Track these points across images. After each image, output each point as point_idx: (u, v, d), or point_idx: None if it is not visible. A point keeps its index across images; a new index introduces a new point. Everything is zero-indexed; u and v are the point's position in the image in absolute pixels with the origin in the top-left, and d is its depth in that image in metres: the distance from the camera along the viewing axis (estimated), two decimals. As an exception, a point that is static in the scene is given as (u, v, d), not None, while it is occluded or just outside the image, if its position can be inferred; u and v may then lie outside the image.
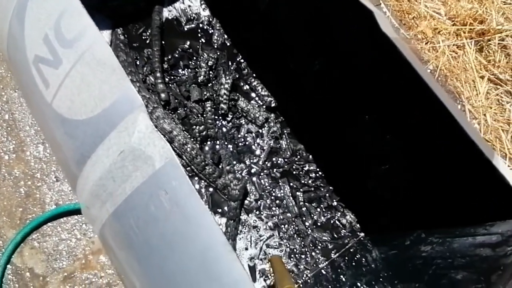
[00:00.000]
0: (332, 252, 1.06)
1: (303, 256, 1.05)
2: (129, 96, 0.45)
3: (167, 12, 1.23)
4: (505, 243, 0.54)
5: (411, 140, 0.85)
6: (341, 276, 1.03)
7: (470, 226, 0.61)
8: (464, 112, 1.59)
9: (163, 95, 1.08)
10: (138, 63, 1.14)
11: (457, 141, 0.57)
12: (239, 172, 1.09)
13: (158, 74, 1.09)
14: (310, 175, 1.13)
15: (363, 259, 1.05)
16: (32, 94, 0.56)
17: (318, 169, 1.14)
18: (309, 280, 1.02)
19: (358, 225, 1.10)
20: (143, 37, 1.18)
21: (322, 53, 1.13)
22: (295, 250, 1.05)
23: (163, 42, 1.17)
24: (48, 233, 1.16)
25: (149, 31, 1.17)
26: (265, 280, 0.99)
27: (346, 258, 1.05)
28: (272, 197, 1.09)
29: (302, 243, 1.06)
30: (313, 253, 1.05)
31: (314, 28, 1.12)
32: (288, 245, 1.05)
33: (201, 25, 1.24)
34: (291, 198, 1.09)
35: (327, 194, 1.12)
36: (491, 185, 0.57)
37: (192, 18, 1.24)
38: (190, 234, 0.43)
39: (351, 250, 1.06)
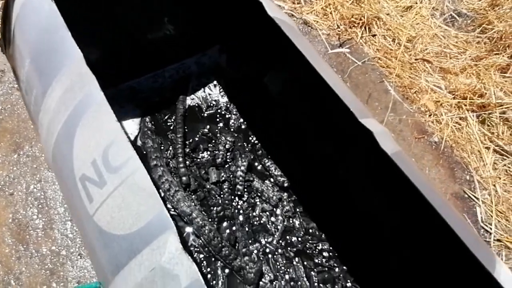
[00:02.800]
0: (349, 337, 1.05)
1: None
2: (162, 218, 0.53)
3: (190, 100, 1.37)
4: None
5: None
6: None
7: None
8: (473, 183, 1.62)
9: (184, 179, 1.17)
10: (162, 147, 1.25)
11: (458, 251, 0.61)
12: (255, 253, 1.13)
13: (181, 159, 1.19)
14: (324, 254, 1.16)
15: None
16: (76, 205, 0.65)
17: (331, 248, 1.17)
18: None
19: (373, 307, 1.10)
20: (168, 123, 1.30)
21: (328, 136, 1.22)
22: (310, 335, 1.05)
23: (185, 127, 1.29)
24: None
25: (174, 118, 1.30)
26: None
27: None
28: (287, 278, 1.11)
29: (318, 327, 1.05)
30: (329, 338, 1.04)
31: (320, 113, 1.22)
32: (304, 330, 1.05)
33: (219, 111, 1.37)
34: (305, 279, 1.11)
35: (341, 275, 1.13)
36: None
37: (211, 104, 1.37)
38: None
39: (368, 335, 1.05)
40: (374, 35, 2.09)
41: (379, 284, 1.10)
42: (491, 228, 1.52)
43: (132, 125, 1.26)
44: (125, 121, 1.27)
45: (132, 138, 1.24)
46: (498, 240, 1.51)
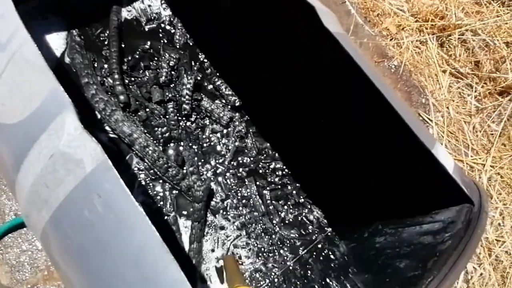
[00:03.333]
0: (300, 248, 1.06)
1: (271, 254, 1.04)
2: (57, 96, 0.43)
3: (126, 13, 1.20)
4: (443, 230, 0.56)
5: (362, 137, 0.86)
6: (309, 272, 1.03)
7: (419, 215, 0.62)
8: (428, 106, 1.63)
9: (122, 97, 1.05)
10: (96, 65, 1.10)
11: (402, 134, 0.58)
12: (205, 173, 1.08)
13: (117, 76, 1.06)
14: (277, 173, 1.13)
15: (331, 254, 1.06)
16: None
17: (284, 167, 1.14)
18: (277, 278, 1.02)
19: (325, 221, 1.11)
20: (101, 38, 1.15)
21: (277, 50, 1.13)
22: (263, 248, 1.04)
23: (122, 43, 1.15)
24: (10, 244, 1.11)
25: (107, 32, 1.14)
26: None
27: (314, 253, 1.05)
28: (239, 197, 1.08)
29: (270, 241, 1.05)
30: (281, 251, 1.05)
31: (269, 27, 1.12)
32: (256, 244, 1.04)
33: (162, 25, 1.22)
34: (258, 197, 1.08)
35: (294, 191, 1.12)
36: (434, 174, 0.58)
37: (152, 18, 1.22)
38: (124, 236, 0.42)
39: (319, 245, 1.07)
40: (337, -47, 1.93)
41: (330, 200, 1.10)
42: (441, 148, 1.56)
43: (58, 39, 1.09)
44: (49, 35, 1.09)
45: (58, 54, 1.08)
46: (447, 159, 1.56)
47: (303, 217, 1.10)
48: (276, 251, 1.05)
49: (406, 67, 1.69)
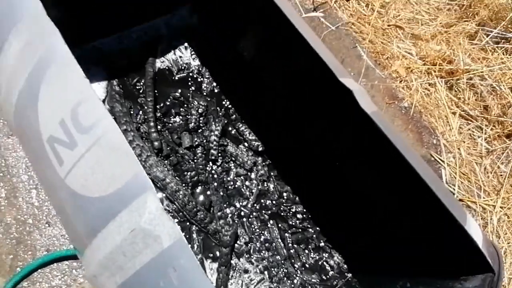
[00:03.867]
0: (321, 292, 1.11)
1: (292, 297, 1.09)
2: (140, 178, 0.50)
3: (160, 63, 1.30)
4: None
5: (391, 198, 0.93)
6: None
7: (449, 280, 0.68)
8: (440, 147, 1.70)
9: (156, 143, 1.13)
10: (132, 112, 1.19)
11: (434, 207, 0.64)
12: (230, 217, 1.14)
13: (152, 124, 1.15)
14: (297, 216, 1.19)
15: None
16: (44, 168, 0.60)
17: (304, 210, 1.20)
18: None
19: (345, 266, 1.16)
20: (137, 87, 1.24)
21: (302, 98, 1.21)
22: (285, 291, 1.09)
23: (156, 91, 1.24)
24: (39, 280, 1.17)
25: (143, 81, 1.24)
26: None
27: (333, 297, 1.10)
28: (262, 240, 1.14)
29: (292, 286, 1.10)
30: (302, 294, 1.10)
31: (294, 75, 1.20)
32: None
33: (191, 74, 1.32)
34: (280, 240, 1.14)
35: (314, 235, 1.18)
36: (465, 247, 0.64)
37: (183, 67, 1.31)
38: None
39: (339, 289, 1.12)
40: (348, 0, 2.05)
41: (350, 244, 1.15)
42: (454, 189, 1.62)
43: (99, 89, 1.19)
44: (91, 84, 1.18)
45: (99, 102, 1.17)
46: (460, 200, 1.62)
47: (324, 262, 1.15)
48: (297, 294, 1.09)
49: (417, 108, 1.77)
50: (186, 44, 1.35)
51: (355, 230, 1.14)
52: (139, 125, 1.17)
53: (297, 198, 1.21)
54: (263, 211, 1.18)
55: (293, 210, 1.20)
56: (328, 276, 1.12)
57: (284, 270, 1.11)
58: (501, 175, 1.69)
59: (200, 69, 1.33)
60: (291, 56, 1.15)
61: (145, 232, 0.49)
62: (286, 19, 0.80)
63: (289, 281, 1.09)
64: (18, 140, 0.74)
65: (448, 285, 0.70)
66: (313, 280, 1.10)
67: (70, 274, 1.18)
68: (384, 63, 1.89)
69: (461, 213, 0.66)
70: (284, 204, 1.20)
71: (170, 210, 1.11)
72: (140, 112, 1.20)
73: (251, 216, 1.16)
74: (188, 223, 1.10)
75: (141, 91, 1.23)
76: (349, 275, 1.13)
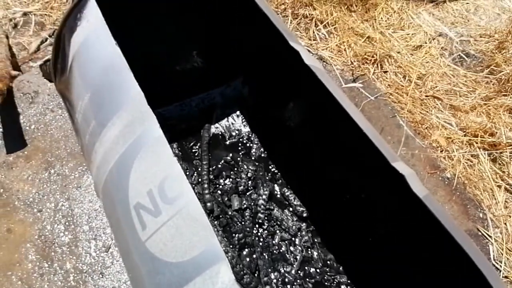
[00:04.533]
0: None
1: None
2: (215, 249, 0.58)
3: (214, 129, 1.44)
4: None
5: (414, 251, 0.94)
6: None
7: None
8: (486, 221, 1.65)
9: (209, 205, 1.22)
10: (188, 173, 1.31)
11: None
12: (274, 283, 1.16)
13: (206, 185, 1.25)
14: (341, 287, 1.19)
15: None
16: (126, 230, 0.70)
17: (349, 281, 1.20)
18: None
19: None
20: (193, 150, 1.37)
21: (347, 168, 1.27)
22: None
23: (210, 155, 1.36)
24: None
25: (199, 145, 1.37)
26: None
27: None
28: (305, 309, 1.14)
29: None
30: None
31: (335, 145, 1.28)
32: None
33: (241, 140, 1.44)
34: (323, 310, 1.13)
35: (358, 308, 1.16)
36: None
37: (234, 133, 1.44)
38: None
39: None
40: (385, 72, 2.18)
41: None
42: (501, 266, 1.54)
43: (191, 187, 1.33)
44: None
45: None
46: (505, 277, 1.53)
47: (368, 337, 1.12)
48: None
49: (460, 179, 1.76)
50: (238, 112, 1.50)
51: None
52: (194, 186, 1.28)
53: (341, 268, 1.22)
54: (307, 279, 1.19)
55: (337, 280, 1.20)
56: None
57: None
58: (555, 254, 1.59)
59: (250, 135, 1.45)
60: (329, 128, 1.24)
61: (220, 302, 0.55)
62: (328, 92, 0.89)
63: None
64: (101, 201, 0.84)
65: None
66: None
67: (115, 328, 1.23)
68: (423, 132, 1.93)
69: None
70: (328, 273, 1.21)
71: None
72: (195, 174, 1.31)
73: (295, 283, 1.18)
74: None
75: (196, 154, 1.36)
76: None
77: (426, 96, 2.13)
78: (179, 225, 0.62)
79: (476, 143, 1.88)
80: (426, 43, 2.39)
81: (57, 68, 1.03)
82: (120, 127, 0.73)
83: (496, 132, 1.87)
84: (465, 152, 1.85)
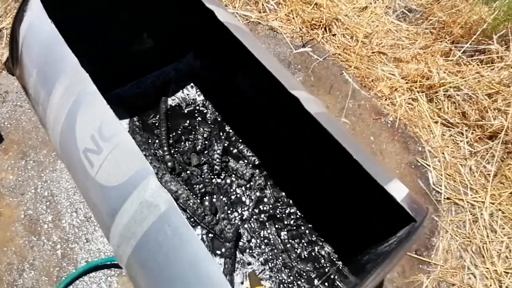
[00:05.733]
0: (315, 280, 1.27)
1: (290, 285, 1.25)
2: (145, 168, 0.75)
3: (171, 101, 1.60)
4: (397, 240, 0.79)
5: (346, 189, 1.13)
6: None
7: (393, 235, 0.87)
8: (425, 153, 1.86)
9: (169, 164, 1.39)
10: (150, 141, 1.47)
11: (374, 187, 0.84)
12: (233, 219, 1.35)
13: (165, 148, 1.41)
14: (292, 216, 1.38)
15: (342, 285, 1.25)
16: (80, 173, 0.86)
17: (298, 211, 1.39)
18: (297, 306, 1.22)
19: (336, 255, 1.32)
20: (154, 121, 1.53)
21: (286, 123, 1.45)
22: (283, 280, 1.26)
23: (169, 123, 1.52)
24: (79, 286, 1.39)
25: (158, 116, 1.53)
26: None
27: (326, 284, 1.25)
28: (262, 237, 1.33)
29: (289, 274, 1.27)
30: (299, 282, 1.26)
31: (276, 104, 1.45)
32: (278, 277, 1.26)
33: (197, 108, 1.60)
34: (277, 237, 1.32)
35: (307, 231, 1.35)
36: (392, 204, 0.83)
37: (190, 103, 1.60)
38: (185, 249, 0.69)
39: (331, 277, 1.27)
40: (334, 35, 2.34)
41: (337, 235, 1.32)
42: (441, 189, 1.75)
43: (122, 125, 1.48)
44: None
45: (123, 135, 1.46)
46: (448, 198, 1.74)
47: (316, 253, 1.31)
48: (294, 282, 1.26)
49: (401, 121, 1.96)
50: (192, 84, 1.66)
51: (341, 224, 1.31)
52: (156, 151, 1.45)
53: (291, 201, 1.41)
54: (262, 214, 1.38)
55: (288, 211, 1.39)
56: (320, 265, 1.28)
57: (282, 262, 1.28)
58: (488, 174, 1.80)
59: (205, 102, 1.62)
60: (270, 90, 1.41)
61: (149, 203, 0.72)
62: (246, 48, 1.04)
63: (287, 270, 1.26)
64: (62, 161, 0.98)
65: (390, 238, 0.87)
66: (307, 268, 1.27)
67: (105, 281, 1.40)
68: (369, 85, 2.12)
69: (384, 178, 0.85)
70: (280, 207, 1.40)
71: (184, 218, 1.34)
72: (156, 141, 1.47)
73: (251, 219, 1.37)
74: (198, 227, 1.32)
75: (156, 124, 1.52)
76: (339, 263, 1.28)
77: (372, 52, 2.31)
78: (117, 156, 0.78)
79: (416, 88, 2.07)
80: (371, 3, 2.55)
81: (13, 57, 1.17)
82: (62, 90, 0.88)
83: (432, 75, 2.07)
84: (406, 97, 2.05)
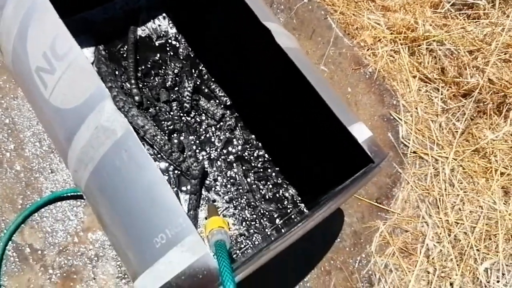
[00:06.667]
0: (277, 219, 1.32)
1: (253, 223, 1.30)
2: (101, 90, 0.70)
3: (141, 31, 1.49)
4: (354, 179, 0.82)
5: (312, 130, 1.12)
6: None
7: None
8: (399, 107, 1.88)
9: (137, 98, 1.34)
10: (117, 72, 1.39)
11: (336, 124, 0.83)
12: (200, 158, 1.34)
13: (133, 81, 1.35)
14: (260, 159, 1.39)
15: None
16: (34, 94, 0.81)
17: (266, 154, 1.40)
18: (257, 242, 1.27)
19: (299, 198, 1.36)
20: (121, 52, 1.44)
21: (250, 62, 1.39)
22: (246, 218, 1.30)
23: (137, 56, 1.43)
24: (45, 215, 1.40)
25: (126, 47, 1.44)
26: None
27: (287, 223, 1.30)
28: (228, 177, 1.34)
29: (253, 213, 1.31)
30: (262, 220, 1.30)
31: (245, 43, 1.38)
32: (241, 215, 1.30)
33: (169, 41, 1.51)
34: (243, 177, 1.34)
35: (273, 174, 1.38)
36: (354, 145, 0.84)
37: (161, 35, 1.51)
38: (141, 174, 0.68)
39: (292, 217, 1.32)
40: (322, -25, 2.20)
41: (302, 179, 1.35)
42: (409, 143, 1.80)
43: (87, 53, 1.39)
44: (81, 49, 1.39)
45: (88, 64, 1.38)
46: (414, 152, 1.80)
47: (281, 195, 1.35)
48: (257, 220, 1.30)
49: (380, 73, 1.94)
50: (164, 15, 1.54)
51: (306, 168, 1.34)
52: (123, 83, 1.38)
53: (260, 144, 1.41)
54: (230, 155, 1.38)
55: (256, 154, 1.40)
56: (283, 205, 1.32)
57: (246, 201, 1.31)
58: (456, 131, 1.86)
59: (177, 36, 1.52)
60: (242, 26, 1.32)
61: (105, 127, 0.69)
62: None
63: (250, 209, 1.30)
64: (17, 83, 0.92)
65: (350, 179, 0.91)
66: (270, 208, 1.31)
67: (71, 210, 1.41)
68: (353, 33, 2.05)
69: (349, 119, 0.85)
70: (248, 149, 1.40)
71: (151, 154, 1.32)
72: (124, 73, 1.40)
73: (219, 159, 1.37)
74: (166, 164, 1.31)
75: (124, 55, 1.43)
76: (302, 205, 1.33)
77: (361, -2, 2.20)
78: (72, 76, 0.73)
79: (399, 39, 2.02)
80: None
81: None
82: (12, 6, 0.79)
83: (417, 27, 2.01)
84: (389, 49, 2.01)
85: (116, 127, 0.69)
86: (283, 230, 1.26)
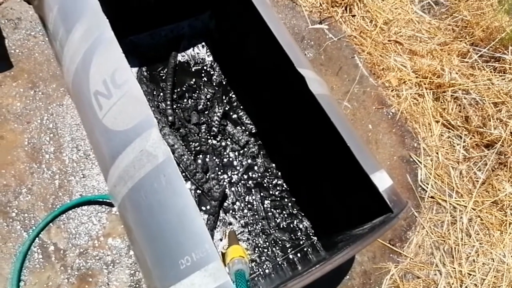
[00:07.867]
0: (289, 249, 1.36)
1: (265, 250, 1.35)
2: (149, 118, 0.79)
3: (181, 57, 1.61)
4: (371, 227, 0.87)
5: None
6: (294, 270, 1.32)
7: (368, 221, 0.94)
8: (419, 150, 1.91)
9: (170, 118, 1.44)
10: (155, 93, 1.51)
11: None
12: (222, 181, 1.42)
13: (168, 102, 1.45)
14: (278, 188, 1.45)
15: (313, 258, 1.35)
16: (89, 113, 0.91)
17: (284, 184, 1.46)
18: (268, 270, 1.32)
19: (312, 231, 1.40)
20: (161, 74, 1.56)
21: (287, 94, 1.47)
22: (259, 244, 1.35)
23: (175, 78, 1.55)
24: (72, 217, 1.49)
25: (165, 70, 1.55)
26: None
27: (299, 255, 1.35)
28: (246, 202, 1.41)
29: (266, 240, 1.36)
30: (274, 249, 1.35)
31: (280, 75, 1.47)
32: (255, 240, 1.36)
33: (205, 68, 1.62)
34: (260, 204, 1.40)
35: (289, 203, 1.43)
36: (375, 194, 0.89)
37: (199, 62, 1.62)
38: (175, 199, 0.75)
39: (304, 249, 1.36)
40: (353, 16, 2.30)
41: (317, 212, 1.40)
42: (427, 187, 1.82)
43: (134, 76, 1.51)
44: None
45: (130, 82, 1.50)
46: (432, 197, 1.81)
47: (295, 225, 1.40)
48: (269, 248, 1.35)
49: (403, 115, 1.99)
50: (203, 43, 1.66)
51: (323, 203, 1.39)
52: (159, 103, 1.49)
53: (279, 173, 1.47)
54: (250, 181, 1.45)
55: (275, 182, 1.46)
56: (296, 236, 1.37)
57: (261, 227, 1.37)
58: (477, 180, 1.86)
59: (213, 64, 1.63)
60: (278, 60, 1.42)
61: (148, 152, 0.78)
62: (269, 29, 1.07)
63: (264, 236, 1.35)
64: (72, 98, 1.02)
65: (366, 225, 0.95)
66: (283, 237, 1.36)
67: (96, 216, 1.50)
68: (378, 73, 2.12)
69: (372, 166, 0.90)
70: (268, 177, 1.47)
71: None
72: (161, 93, 1.51)
73: (239, 183, 1.44)
74: (188, 182, 1.39)
75: (163, 77, 1.55)
76: (315, 238, 1.37)
77: (389, 40, 2.28)
78: (125, 103, 0.83)
79: (424, 84, 2.07)
80: (399, -11, 2.48)
81: (32, -12, 1.17)
82: (81, 31, 0.91)
83: (443, 74, 2.06)
84: (413, 91, 2.06)
85: (159, 154, 0.78)
86: (296, 263, 1.30)
